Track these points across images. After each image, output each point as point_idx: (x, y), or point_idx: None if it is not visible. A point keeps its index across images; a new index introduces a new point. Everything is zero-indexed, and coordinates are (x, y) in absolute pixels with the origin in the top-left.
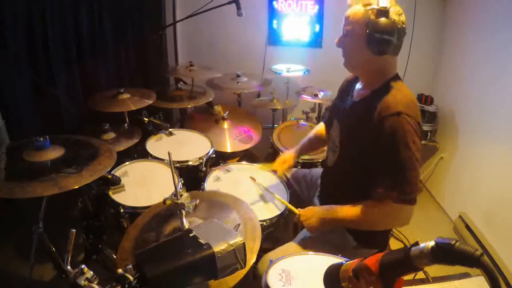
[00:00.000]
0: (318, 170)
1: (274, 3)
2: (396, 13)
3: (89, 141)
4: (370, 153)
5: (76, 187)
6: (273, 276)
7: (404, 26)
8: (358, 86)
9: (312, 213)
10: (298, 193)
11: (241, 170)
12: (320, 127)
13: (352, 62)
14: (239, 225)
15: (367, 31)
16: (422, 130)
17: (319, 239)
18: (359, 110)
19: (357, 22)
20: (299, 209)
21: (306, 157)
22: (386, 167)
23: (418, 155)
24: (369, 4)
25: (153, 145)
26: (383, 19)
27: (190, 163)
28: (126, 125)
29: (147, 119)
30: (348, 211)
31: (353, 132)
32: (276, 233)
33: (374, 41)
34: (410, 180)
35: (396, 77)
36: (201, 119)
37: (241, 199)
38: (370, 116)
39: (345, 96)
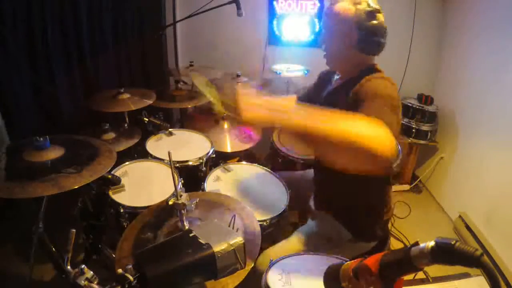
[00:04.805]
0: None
1: (274, 3)
2: (382, 15)
3: (89, 141)
4: None
5: (76, 187)
6: (273, 276)
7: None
8: (337, 76)
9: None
10: (295, 194)
11: (241, 170)
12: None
13: (338, 60)
14: (234, 216)
15: (360, 32)
16: (400, 106)
17: (316, 235)
18: (337, 95)
19: (348, 21)
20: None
21: (305, 157)
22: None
23: (396, 111)
24: (359, 3)
25: (153, 145)
26: (375, 21)
27: (190, 163)
28: (126, 125)
29: (147, 119)
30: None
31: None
32: (276, 233)
33: (366, 42)
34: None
35: (374, 67)
36: (201, 119)
37: (240, 201)
38: (347, 97)
39: (323, 88)
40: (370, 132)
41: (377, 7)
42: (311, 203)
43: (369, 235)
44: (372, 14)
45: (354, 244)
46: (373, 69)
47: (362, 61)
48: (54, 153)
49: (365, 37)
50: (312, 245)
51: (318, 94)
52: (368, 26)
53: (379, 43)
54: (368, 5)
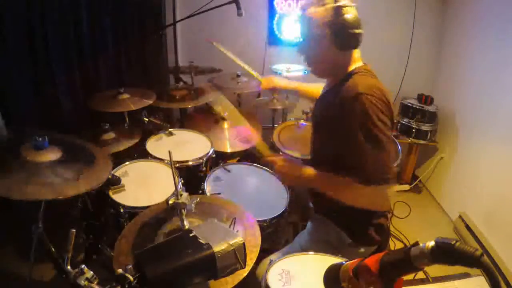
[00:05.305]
0: None
1: (274, 3)
2: (352, 7)
3: (87, 147)
4: (335, 139)
5: (73, 194)
6: (273, 276)
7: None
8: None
9: (288, 166)
10: (295, 194)
11: (241, 170)
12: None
13: (320, 65)
14: (235, 218)
15: (332, 30)
16: (391, 110)
17: (317, 241)
18: (325, 101)
19: (319, 23)
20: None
21: (305, 157)
22: (354, 148)
23: (388, 132)
24: (326, 3)
25: (153, 145)
26: (344, 16)
27: (190, 163)
28: (126, 125)
29: (147, 119)
30: (324, 182)
31: (319, 122)
32: (276, 233)
33: (341, 37)
34: (379, 159)
35: (361, 67)
36: (201, 119)
37: (240, 206)
38: (333, 104)
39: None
40: (363, 201)
41: (344, 2)
42: (310, 203)
43: (368, 240)
44: (339, 9)
45: (354, 248)
46: (356, 71)
47: (343, 60)
48: (52, 154)
49: (338, 33)
50: (313, 251)
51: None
52: (338, 22)
53: (354, 35)
54: (335, 1)
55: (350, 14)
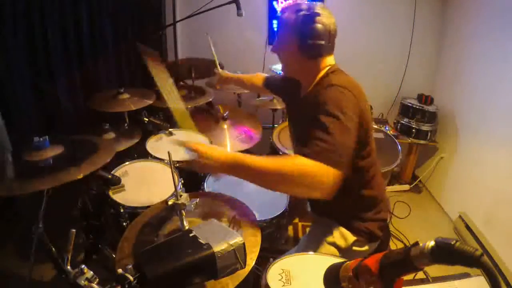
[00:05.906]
0: None
1: (274, 3)
2: (326, 17)
3: (88, 139)
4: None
5: (76, 178)
6: (273, 276)
7: (335, 27)
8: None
9: (212, 154)
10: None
11: None
12: (258, 79)
13: (290, 68)
14: (234, 216)
15: (300, 38)
16: (361, 107)
17: (320, 242)
18: (304, 105)
19: (289, 29)
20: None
21: None
22: (313, 125)
23: (351, 126)
24: (300, 10)
25: (153, 145)
26: (313, 25)
27: None
28: (126, 125)
29: (147, 119)
30: (260, 159)
31: (299, 128)
32: (276, 233)
33: (307, 48)
34: (337, 143)
35: (334, 69)
36: (201, 119)
37: (240, 200)
38: (312, 107)
39: (294, 96)
40: (302, 178)
41: (317, 11)
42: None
43: (371, 236)
44: (309, 18)
45: (358, 247)
46: (331, 70)
47: (311, 67)
48: (53, 152)
49: (304, 42)
50: (313, 251)
51: (290, 93)
52: (304, 31)
53: (317, 46)
54: (308, 10)
55: (320, 24)
